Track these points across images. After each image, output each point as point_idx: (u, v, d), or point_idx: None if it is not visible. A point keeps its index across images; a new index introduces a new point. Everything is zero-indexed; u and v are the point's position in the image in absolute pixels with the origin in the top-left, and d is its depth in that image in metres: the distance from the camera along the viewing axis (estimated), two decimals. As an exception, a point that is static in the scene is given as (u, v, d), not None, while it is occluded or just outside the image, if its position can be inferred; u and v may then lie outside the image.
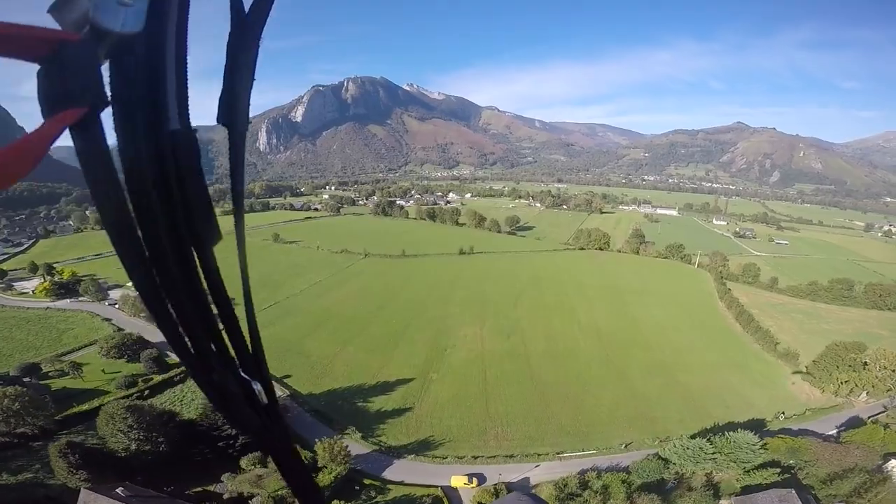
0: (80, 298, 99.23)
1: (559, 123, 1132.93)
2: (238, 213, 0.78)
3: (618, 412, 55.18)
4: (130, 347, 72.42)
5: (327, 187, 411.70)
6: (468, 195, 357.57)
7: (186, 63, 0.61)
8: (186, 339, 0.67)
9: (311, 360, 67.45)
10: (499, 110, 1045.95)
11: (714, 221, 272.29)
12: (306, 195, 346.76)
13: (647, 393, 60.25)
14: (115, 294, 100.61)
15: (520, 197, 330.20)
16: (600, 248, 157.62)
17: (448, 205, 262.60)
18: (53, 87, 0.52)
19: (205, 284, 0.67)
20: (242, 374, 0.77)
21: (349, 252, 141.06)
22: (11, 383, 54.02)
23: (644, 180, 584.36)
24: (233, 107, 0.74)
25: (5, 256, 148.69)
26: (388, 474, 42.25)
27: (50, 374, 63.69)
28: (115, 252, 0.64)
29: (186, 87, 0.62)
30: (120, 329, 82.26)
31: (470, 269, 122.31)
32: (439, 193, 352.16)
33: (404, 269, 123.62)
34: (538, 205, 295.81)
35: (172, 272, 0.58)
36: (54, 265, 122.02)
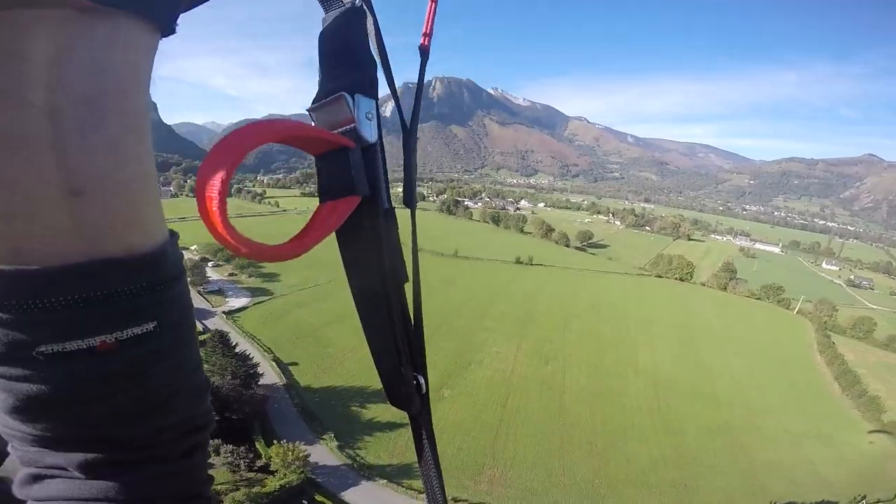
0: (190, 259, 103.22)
1: (655, 140, 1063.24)
2: (414, 254, 1.01)
3: (652, 474, 44.70)
4: None
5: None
6: (541, 204, 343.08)
7: (385, 159, 0.82)
8: (398, 335, 0.90)
9: (326, 350, 62.94)
10: (588, 121, 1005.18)
11: (823, 265, 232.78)
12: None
13: (697, 456, 48.83)
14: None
15: (598, 213, 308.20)
16: (681, 279, 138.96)
17: (517, 211, 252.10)
18: (335, 179, 0.72)
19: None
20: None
21: (402, 244, 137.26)
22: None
23: (745, 210, 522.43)
24: (410, 192, 0.95)
25: None
26: (348, 495, 35.77)
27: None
28: (352, 282, 0.90)
29: (388, 177, 0.83)
30: None
31: (523, 281, 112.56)
32: (510, 199, 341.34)
33: (452, 269, 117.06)
34: (618, 223, 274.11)
35: (395, 298, 0.82)
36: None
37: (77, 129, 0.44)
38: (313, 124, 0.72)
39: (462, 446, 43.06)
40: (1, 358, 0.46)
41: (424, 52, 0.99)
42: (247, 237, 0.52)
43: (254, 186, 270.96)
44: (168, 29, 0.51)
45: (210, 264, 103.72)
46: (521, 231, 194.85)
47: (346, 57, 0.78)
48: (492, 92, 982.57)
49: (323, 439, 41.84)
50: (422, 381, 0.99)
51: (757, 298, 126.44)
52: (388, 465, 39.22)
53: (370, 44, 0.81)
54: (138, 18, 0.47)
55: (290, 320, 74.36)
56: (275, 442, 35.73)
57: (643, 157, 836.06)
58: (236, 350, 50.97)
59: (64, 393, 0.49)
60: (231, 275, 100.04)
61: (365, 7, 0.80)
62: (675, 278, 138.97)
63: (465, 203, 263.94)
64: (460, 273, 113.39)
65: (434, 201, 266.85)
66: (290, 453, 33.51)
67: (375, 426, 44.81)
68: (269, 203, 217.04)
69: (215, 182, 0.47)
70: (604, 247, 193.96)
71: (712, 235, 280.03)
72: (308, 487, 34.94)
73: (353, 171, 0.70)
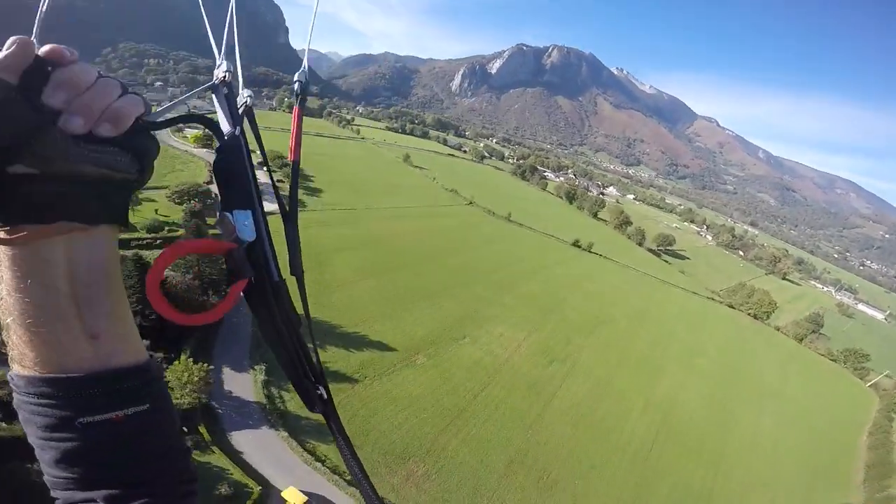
0: (212, 150, 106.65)
1: (790, 162, 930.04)
2: (305, 306, 1.33)
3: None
4: (190, 194, 74.01)
5: (490, 139, 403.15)
6: (630, 196, 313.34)
7: (270, 237, 1.20)
8: (295, 360, 1.27)
9: (322, 276, 58.54)
10: (718, 124, 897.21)
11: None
12: (469, 139, 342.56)
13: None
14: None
15: (692, 221, 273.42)
16: (754, 316, 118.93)
17: (601, 196, 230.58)
18: (234, 268, 1.09)
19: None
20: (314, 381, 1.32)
21: (457, 194, 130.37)
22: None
23: (863, 266, 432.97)
24: (295, 260, 1.32)
25: (213, 112, 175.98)
26: (236, 437, 31.22)
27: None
28: (259, 328, 1.28)
29: (276, 257, 1.21)
30: (208, 183, 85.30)
31: (570, 266, 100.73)
32: (598, 182, 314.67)
33: (498, 231, 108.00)
34: (709, 237, 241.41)
35: (291, 334, 1.19)
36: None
37: (88, 305, 0.89)
38: (221, 231, 1.16)
39: (403, 426, 36.06)
40: (55, 427, 0.89)
41: (295, 164, 1.40)
42: (172, 309, 0.95)
43: (346, 114, 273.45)
44: (127, 225, 0.98)
45: (264, 168, 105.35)
46: (594, 216, 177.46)
47: (227, 180, 1.16)
48: (614, 71, 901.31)
49: (255, 368, 37.05)
50: (322, 391, 1.32)
51: (832, 359, 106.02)
52: (304, 419, 33.53)
53: (250, 161, 1.22)
54: (111, 226, 0.93)
55: (304, 236, 68.17)
56: (182, 357, 30.91)
57: (768, 177, 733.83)
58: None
59: (94, 448, 0.92)
60: (279, 181, 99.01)
61: (248, 120, 1.22)
62: (749, 313, 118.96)
63: (545, 173, 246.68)
64: (505, 237, 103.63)
65: (512, 163, 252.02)
66: (188, 374, 28.53)
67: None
68: (352, 129, 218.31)
69: (154, 276, 0.91)
70: (682, 258, 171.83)
71: (812, 281, 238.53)
72: (200, 416, 30.30)
73: (239, 263, 1.09)
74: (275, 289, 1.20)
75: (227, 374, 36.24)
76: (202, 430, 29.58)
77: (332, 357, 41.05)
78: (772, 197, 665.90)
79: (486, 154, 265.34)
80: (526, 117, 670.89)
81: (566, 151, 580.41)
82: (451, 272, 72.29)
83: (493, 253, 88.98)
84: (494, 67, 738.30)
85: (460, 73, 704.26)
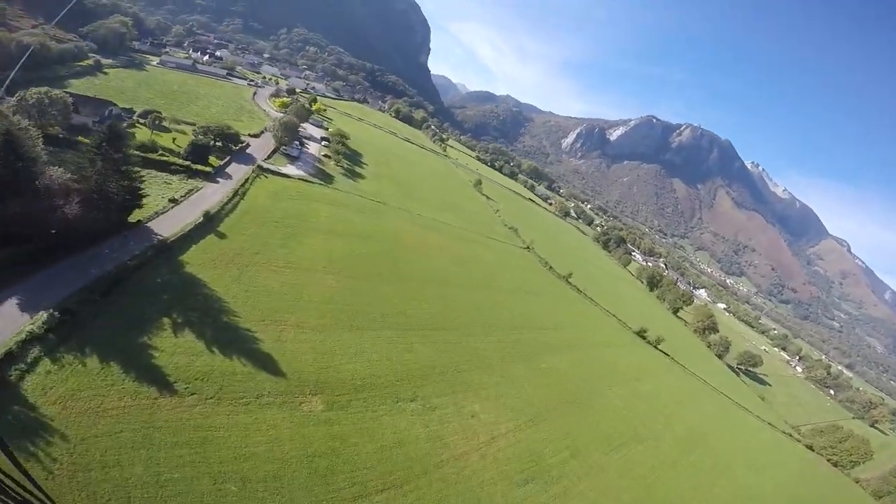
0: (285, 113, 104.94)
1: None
2: None
3: None
4: (211, 132, 70.38)
5: (585, 204, 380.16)
6: (721, 305, 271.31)
7: None
8: None
9: (276, 251, 47.09)
10: (849, 249, 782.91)
11: None
12: (561, 197, 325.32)
13: None
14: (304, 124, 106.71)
15: (783, 349, 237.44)
16: (835, 463, 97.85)
17: (693, 296, 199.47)
18: None
19: None
20: None
21: (517, 234, 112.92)
22: (117, 116, 60.95)
23: None
24: None
25: (324, 96, 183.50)
26: None
27: (140, 122, 67.37)
28: None
29: None
30: (254, 136, 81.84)
31: (621, 353, 79.43)
32: (689, 281, 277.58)
33: (545, 286, 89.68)
34: (798, 368, 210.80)
35: None
36: (316, 100, 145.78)
37: None
38: None
39: (168, 485, 19.52)
40: None
41: None
42: None
43: (445, 135, 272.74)
44: None
45: (324, 142, 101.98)
46: (675, 311, 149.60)
47: None
48: (748, 166, 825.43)
49: (38, 315, 23.93)
50: None
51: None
52: (27, 408, 19.67)
53: None
54: None
55: (298, 208, 60.05)
56: None
57: (886, 322, 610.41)
58: (133, 169, 36.22)
59: None
60: (326, 156, 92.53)
61: None
62: (829, 459, 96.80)
63: (632, 252, 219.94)
64: (551, 294, 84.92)
65: (597, 229, 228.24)
66: None
67: (129, 357, 25.10)
68: (441, 146, 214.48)
69: None
70: (763, 382, 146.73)
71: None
72: None
73: None
74: None
75: (7, 307, 23.92)
76: None
77: (174, 346, 26.95)
78: (882, 344, 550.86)
79: (574, 214, 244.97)
80: (632, 193, 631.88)
81: (664, 240, 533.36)
82: (456, 308, 55.79)
83: (526, 306, 70.63)
84: (615, 134, 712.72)
85: (576, 132, 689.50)
